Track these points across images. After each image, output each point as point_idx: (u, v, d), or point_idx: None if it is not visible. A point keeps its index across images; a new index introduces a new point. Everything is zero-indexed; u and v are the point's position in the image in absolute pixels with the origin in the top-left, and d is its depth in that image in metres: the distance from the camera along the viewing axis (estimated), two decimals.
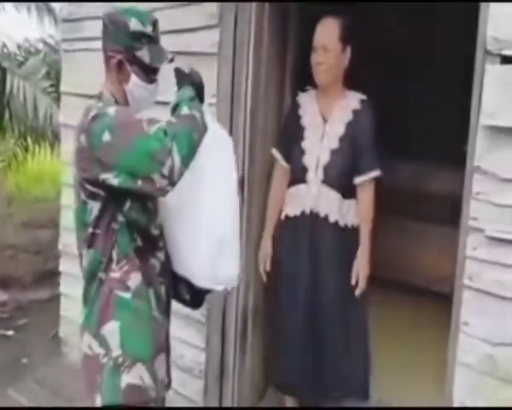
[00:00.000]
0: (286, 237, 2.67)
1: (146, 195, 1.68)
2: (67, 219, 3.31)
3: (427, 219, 4.20)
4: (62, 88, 3.43)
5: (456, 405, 2.08)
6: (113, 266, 1.71)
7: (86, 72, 3.19)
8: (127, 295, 1.71)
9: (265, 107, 2.76)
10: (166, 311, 1.88)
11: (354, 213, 2.62)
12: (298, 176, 2.63)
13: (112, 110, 1.64)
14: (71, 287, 3.39)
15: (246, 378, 2.86)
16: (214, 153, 1.77)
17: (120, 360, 1.68)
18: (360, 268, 2.55)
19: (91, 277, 1.73)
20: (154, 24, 1.77)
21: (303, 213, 2.59)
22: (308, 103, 2.66)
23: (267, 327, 2.90)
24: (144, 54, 1.74)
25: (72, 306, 3.39)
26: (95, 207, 1.69)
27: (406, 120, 4.50)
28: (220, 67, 2.64)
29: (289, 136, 2.68)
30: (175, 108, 1.71)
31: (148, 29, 1.74)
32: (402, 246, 4.35)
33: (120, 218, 1.70)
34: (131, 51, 1.73)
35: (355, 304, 2.61)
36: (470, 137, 2.03)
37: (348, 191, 2.59)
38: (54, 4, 6.96)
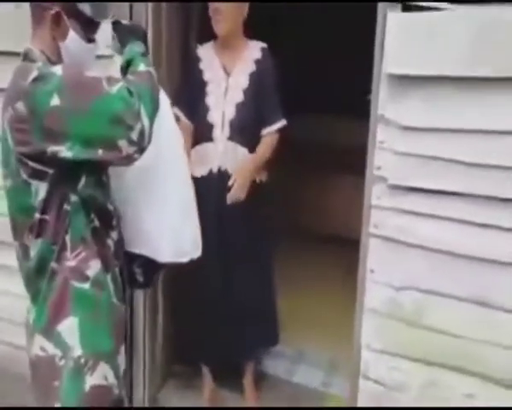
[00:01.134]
0: None
1: (106, 165, 1.49)
2: None
3: (334, 170, 4.27)
4: None
5: (363, 348, 2.14)
6: (68, 253, 1.51)
7: None
8: (85, 286, 1.52)
9: (169, 62, 2.61)
10: (123, 295, 1.70)
11: (262, 168, 2.59)
12: (204, 134, 2.53)
13: (58, 68, 1.40)
14: None
15: (157, 353, 2.79)
16: (160, 116, 1.58)
17: (82, 360, 1.51)
18: (238, 175, 2.45)
19: (41, 269, 1.52)
20: None
21: (210, 171, 2.51)
22: (209, 57, 2.55)
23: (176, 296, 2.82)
24: (85, 6, 1.52)
25: None
26: (41, 188, 1.46)
27: (308, 70, 4.49)
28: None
29: (191, 92, 2.56)
30: (127, 65, 1.54)
31: None
32: (310, 196, 4.41)
33: (73, 198, 1.49)
34: (71, 2, 1.50)
35: (260, 257, 2.64)
36: (373, 86, 2.03)
37: (255, 146, 2.54)
38: None
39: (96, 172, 1.56)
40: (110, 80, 1.41)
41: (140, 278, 1.84)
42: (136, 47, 1.60)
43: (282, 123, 2.55)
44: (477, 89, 1.85)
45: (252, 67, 2.52)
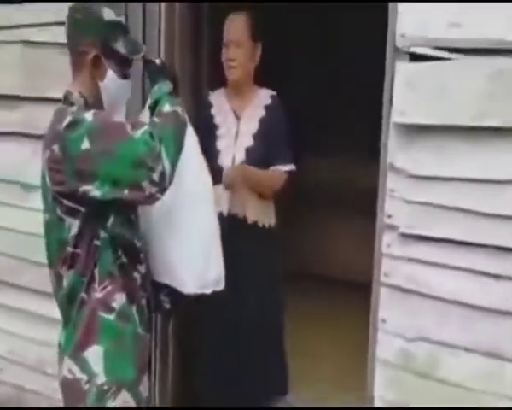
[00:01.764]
0: None
1: (133, 204, 1.59)
2: None
3: (345, 212, 4.26)
4: None
5: (376, 401, 2.10)
6: (96, 285, 1.61)
7: None
8: (111, 317, 1.62)
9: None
10: (149, 325, 1.81)
11: (270, 212, 2.60)
12: (214, 177, 2.54)
13: (89, 115, 1.51)
14: None
15: (167, 392, 2.75)
16: (187, 153, 1.67)
17: (105, 387, 1.60)
18: (230, 173, 2.45)
19: (72, 298, 1.63)
20: (125, 14, 1.71)
21: (220, 214, 2.52)
22: (220, 102, 2.60)
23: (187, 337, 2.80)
24: (120, 45, 1.64)
25: None
26: (73, 224, 1.57)
27: (321, 116, 4.54)
28: None
29: (202, 136, 2.58)
30: (155, 105, 1.64)
31: (121, 19, 1.67)
32: (319, 238, 4.40)
33: (103, 234, 1.60)
34: (108, 43, 1.62)
35: (272, 304, 2.61)
36: (383, 135, 2.04)
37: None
38: None
39: (125, 212, 1.65)
40: (135, 125, 1.51)
41: (166, 306, 1.92)
42: (164, 86, 1.69)
43: (290, 167, 2.56)
44: (486, 138, 1.84)
45: (261, 113, 2.55)
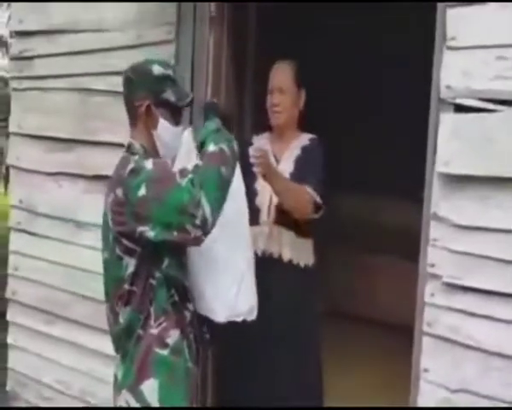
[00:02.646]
0: None
1: (182, 245, 1.70)
2: (16, 264, 3.26)
3: (387, 253, 4.25)
4: (11, 128, 3.33)
5: None
6: (152, 322, 1.72)
7: (36, 112, 3.15)
8: (165, 352, 1.72)
9: None
10: (197, 359, 1.89)
11: (308, 251, 2.60)
12: (251, 217, 2.58)
13: (149, 164, 1.65)
14: (19, 338, 3.28)
15: None
16: (232, 185, 1.75)
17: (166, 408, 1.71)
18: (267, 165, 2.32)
19: (129, 333, 1.73)
20: (173, 68, 1.82)
21: (255, 255, 2.54)
22: (261, 144, 2.60)
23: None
24: (169, 95, 1.76)
25: (20, 358, 3.29)
26: (130, 263, 1.69)
27: (364, 157, 4.58)
28: None
29: (243, 175, 2.63)
30: (202, 145, 1.75)
31: (170, 72, 1.77)
32: (352, 277, 4.39)
33: (158, 274, 1.71)
34: (157, 94, 1.75)
35: (309, 344, 2.59)
36: (426, 184, 2.05)
37: (301, 229, 2.55)
38: (6, 35, 6.82)
39: (177, 255, 1.76)
40: (183, 172, 1.63)
41: (206, 337, 1.99)
42: (210, 124, 1.79)
43: (318, 199, 2.46)
44: None
45: (298, 153, 2.56)
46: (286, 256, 2.54)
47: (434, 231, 2.02)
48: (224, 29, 2.68)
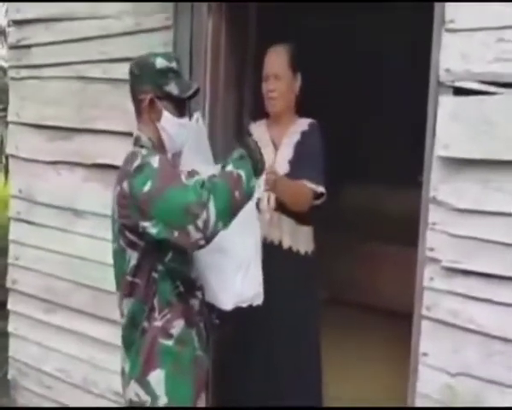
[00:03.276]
0: None
1: (181, 248, 1.68)
2: (17, 253, 3.27)
3: (390, 240, 4.24)
4: (9, 118, 3.33)
5: None
6: (156, 314, 1.74)
7: (34, 101, 3.14)
8: (170, 343, 1.75)
9: (224, 137, 2.72)
10: (207, 346, 1.90)
11: (308, 239, 2.59)
12: None
13: (156, 161, 1.67)
14: (20, 327, 3.29)
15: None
16: None
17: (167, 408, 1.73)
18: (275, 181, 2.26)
19: (133, 325, 1.76)
20: (178, 61, 1.83)
21: None
22: (260, 132, 2.60)
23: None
24: (172, 87, 1.78)
25: (20, 347, 3.30)
26: (133, 256, 1.72)
27: (365, 145, 4.55)
28: None
29: None
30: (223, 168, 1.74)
31: (173, 64, 1.79)
32: (354, 265, 4.38)
33: (160, 267, 1.73)
34: (160, 87, 1.77)
35: (308, 331, 2.59)
36: (425, 168, 2.04)
37: (301, 217, 2.55)
38: (4, 25, 6.79)
39: (182, 250, 1.74)
40: (190, 174, 1.68)
41: (215, 322, 2.02)
42: (236, 152, 1.73)
43: (320, 189, 2.47)
44: None
45: (297, 138, 2.54)
46: (286, 243, 2.54)
47: (433, 214, 2.00)
48: (222, 15, 2.66)
